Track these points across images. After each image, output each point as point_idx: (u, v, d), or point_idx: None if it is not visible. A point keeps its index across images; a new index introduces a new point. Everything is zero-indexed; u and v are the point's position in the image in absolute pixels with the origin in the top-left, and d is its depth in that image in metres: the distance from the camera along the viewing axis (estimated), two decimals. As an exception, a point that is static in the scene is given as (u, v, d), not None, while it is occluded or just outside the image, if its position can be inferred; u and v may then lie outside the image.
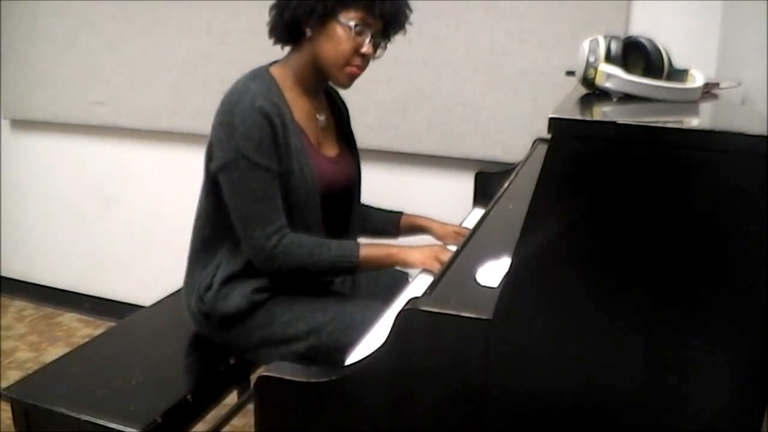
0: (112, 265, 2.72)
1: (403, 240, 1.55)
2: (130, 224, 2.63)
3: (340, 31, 1.28)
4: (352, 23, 1.27)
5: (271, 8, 1.33)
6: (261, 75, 1.31)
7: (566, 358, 0.81)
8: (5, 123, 2.77)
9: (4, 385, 1.38)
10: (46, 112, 2.61)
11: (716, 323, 0.76)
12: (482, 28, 1.89)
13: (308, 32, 1.29)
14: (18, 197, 2.84)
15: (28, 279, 2.91)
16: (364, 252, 1.30)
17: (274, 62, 1.38)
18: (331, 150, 1.43)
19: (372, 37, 1.30)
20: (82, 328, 2.67)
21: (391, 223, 1.61)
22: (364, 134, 2.04)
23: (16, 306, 2.86)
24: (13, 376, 2.21)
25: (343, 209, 1.48)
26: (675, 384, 0.79)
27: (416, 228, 1.61)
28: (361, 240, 1.37)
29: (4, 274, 2.94)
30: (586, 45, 0.96)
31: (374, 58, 1.35)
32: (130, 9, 2.34)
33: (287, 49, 1.38)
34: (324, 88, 1.45)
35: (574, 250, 0.77)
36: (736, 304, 0.75)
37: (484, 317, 0.81)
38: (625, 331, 0.78)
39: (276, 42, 1.36)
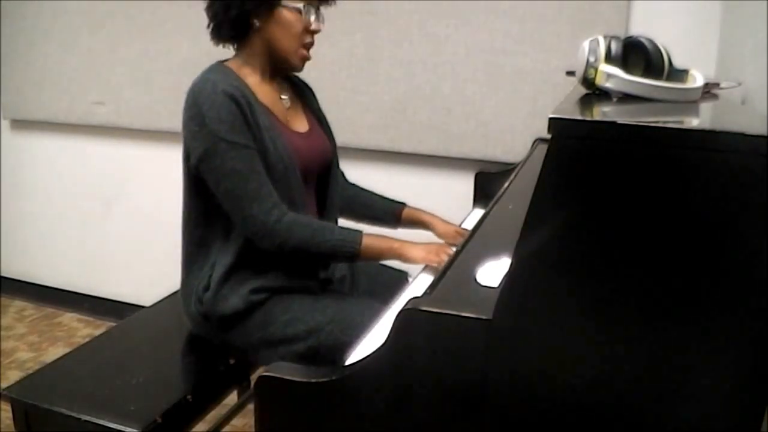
0: (112, 265, 2.72)
1: (404, 234, 1.54)
2: (130, 224, 2.63)
3: (288, 15, 1.30)
4: (299, 5, 1.30)
5: (209, 9, 1.33)
6: (217, 68, 1.32)
7: (566, 358, 0.81)
8: (5, 123, 2.77)
9: (4, 385, 1.38)
10: (46, 112, 2.61)
11: (716, 323, 0.76)
12: (482, 28, 1.89)
13: (256, 23, 1.30)
14: (18, 197, 2.84)
15: (28, 279, 2.91)
16: (366, 241, 1.30)
17: (225, 60, 1.38)
18: (300, 126, 1.43)
19: (316, 13, 1.33)
20: (82, 328, 2.67)
21: (391, 213, 1.61)
22: (364, 134, 2.05)
23: (16, 306, 2.86)
24: (13, 376, 2.22)
25: (321, 187, 1.48)
26: (675, 384, 0.79)
27: (418, 222, 1.60)
28: (361, 227, 1.37)
29: (4, 274, 2.94)
30: (586, 45, 0.96)
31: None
32: (130, 9, 2.34)
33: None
34: (281, 73, 1.44)
35: (574, 250, 0.77)
36: (737, 303, 0.75)
37: (484, 317, 0.81)
38: (625, 331, 0.78)
39: (220, 41, 1.36)
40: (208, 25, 1.35)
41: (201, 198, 1.33)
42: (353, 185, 1.63)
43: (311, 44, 1.35)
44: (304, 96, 1.51)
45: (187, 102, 1.27)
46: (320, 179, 1.47)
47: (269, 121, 1.31)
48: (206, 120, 1.23)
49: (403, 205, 1.62)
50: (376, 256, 1.33)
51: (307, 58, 1.36)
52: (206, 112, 1.23)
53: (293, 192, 1.32)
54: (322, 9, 1.37)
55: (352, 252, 1.29)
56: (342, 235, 1.30)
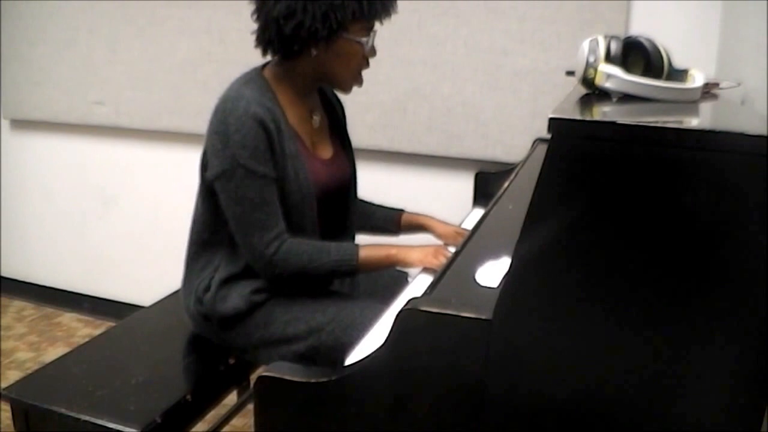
0: (112, 265, 2.72)
1: (403, 238, 1.55)
2: (130, 224, 2.63)
3: (349, 48, 1.27)
4: (363, 39, 1.27)
5: (263, 22, 1.27)
6: (254, 79, 1.30)
7: (566, 358, 0.81)
8: (5, 123, 2.77)
9: (4, 385, 1.38)
10: (46, 112, 2.61)
11: (716, 323, 0.76)
12: (482, 28, 1.89)
13: (313, 52, 1.26)
14: (18, 197, 2.84)
15: (28, 279, 2.91)
16: (363, 254, 1.30)
17: (267, 63, 1.36)
18: (326, 151, 1.42)
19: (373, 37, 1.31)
20: (82, 328, 2.67)
21: (392, 221, 1.61)
22: (364, 134, 2.05)
23: (16, 306, 2.86)
24: (13, 376, 2.21)
25: (339, 209, 1.48)
26: (675, 384, 0.79)
27: (418, 226, 1.60)
28: (362, 238, 1.37)
29: (4, 274, 2.94)
30: (586, 45, 0.96)
31: None
32: (130, 9, 2.34)
33: None
34: (318, 88, 1.44)
35: (574, 250, 0.77)
36: (736, 303, 0.75)
37: (484, 317, 0.81)
38: (625, 332, 0.78)
39: (267, 52, 1.31)
40: (258, 40, 1.30)
41: (212, 203, 1.32)
42: None
43: (367, 67, 1.33)
44: (334, 114, 1.50)
45: (216, 113, 1.25)
46: (338, 202, 1.47)
47: (295, 148, 1.29)
48: (230, 142, 1.21)
49: (401, 211, 1.62)
50: (375, 266, 1.33)
51: (359, 83, 1.35)
52: (232, 134, 1.21)
53: (305, 219, 1.32)
54: None
55: (351, 268, 1.30)
56: (338, 254, 1.29)
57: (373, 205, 1.63)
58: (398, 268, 1.38)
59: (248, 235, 1.26)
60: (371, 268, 1.33)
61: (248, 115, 1.21)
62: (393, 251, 1.32)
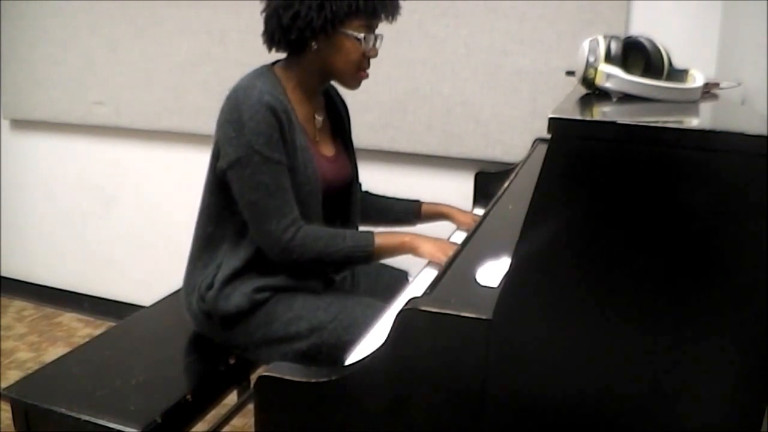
0: (112, 265, 2.72)
1: (416, 228, 1.56)
2: (130, 224, 2.63)
3: (348, 43, 1.28)
4: (360, 35, 1.28)
5: (266, 15, 1.31)
6: (265, 74, 1.32)
7: (566, 358, 0.81)
8: (5, 123, 2.77)
9: (4, 385, 1.38)
10: (46, 112, 2.61)
11: (716, 323, 0.76)
12: (482, 28, 1.89)
13: (314, 46, 1.29)
14: (18, 197, 2.84)
15: (28, 279, 2.91)
16: (378, 241, 1.31)
17: (277, 62, 1.38)
18: (328, 149, 1.44)
19: (375, 38, 1.32)
20: (82, 328, 2.67)
21: (412, 212, 1.65)
22: (364, 134, 2.05)
23: (16, 306, 2.86)
24: (13, 376, 2.22)
25: (341, 209, 1.49)
26: (675, 384, 0.79)
27: (438, 215, 1.65)
28: (379, 229, 1.38)
29: (4, 274, 2.94)
30: (586, 45, 0.96)
31: None
32: (130, 9, 2.35)
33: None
34: (324, 89, 1.45)
35: (574, 250, 0.77)
36: (736, 304, 0.75)
37: (484, 317, 0.81)
38: (625, 332, 0.78)
39: (273, 48, 1.34)
40: (263, 36, 1.33)
41: (220, 196, 1.33)
42: (366, 193, 1.65)
43: (368, 66, 1.35)
44: (337, 118, 1.51)
45: (228, 103, 1.27)
46: (340, 200, 1.48)
47: (304, 142, 1.31)
48: (245, 129, 1.23)
49: (418, 202, 1.65)
50: (390, 253, 1.34)
51: (365, 78, 1.36)
52: (246, 121, 1.23)
53: (311, 211, 1.33)
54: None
55: (366, 255, 1.31)
56: (354, 241, 1.31)
57: (390, 198, 1.66)
58: (404, 257, 1.39)
59: (264, 221, 1.26)
60: (385, 255, 1.34)
61: (261, 103, 1.23)
62: (407, 239, 1.34)
